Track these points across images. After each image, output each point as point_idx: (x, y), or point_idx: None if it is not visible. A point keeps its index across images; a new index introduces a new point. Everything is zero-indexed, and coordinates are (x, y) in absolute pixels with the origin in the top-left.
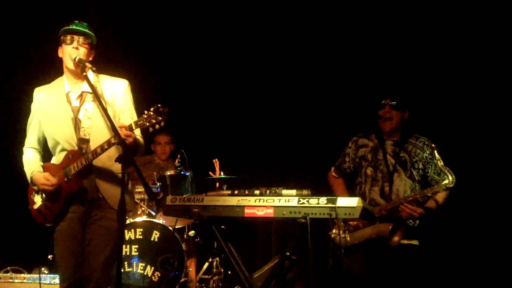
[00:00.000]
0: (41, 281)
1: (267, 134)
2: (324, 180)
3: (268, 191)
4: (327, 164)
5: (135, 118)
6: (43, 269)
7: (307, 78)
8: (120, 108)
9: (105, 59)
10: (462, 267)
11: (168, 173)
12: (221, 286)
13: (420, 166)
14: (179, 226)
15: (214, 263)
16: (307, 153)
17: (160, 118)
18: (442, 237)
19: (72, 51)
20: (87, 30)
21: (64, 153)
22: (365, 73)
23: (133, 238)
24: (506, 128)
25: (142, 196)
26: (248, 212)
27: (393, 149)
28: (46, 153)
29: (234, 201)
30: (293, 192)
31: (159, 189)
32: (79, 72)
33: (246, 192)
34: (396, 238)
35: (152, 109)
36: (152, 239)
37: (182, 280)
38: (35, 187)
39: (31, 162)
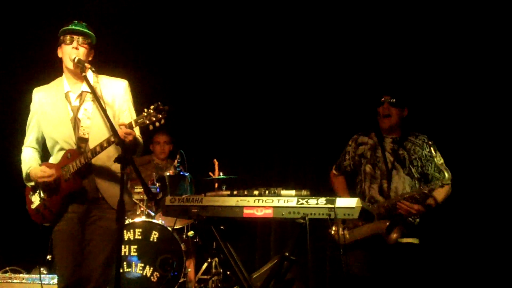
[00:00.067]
0: (40, 282)
1: (266, 134)
2: (323, 181)
3: (267, 192)
4: (326, 165)
5: (135, 118)
6: (42, 269)
7: (306, 78)
8: (119, 108)
9: (104, 59)
10: (462, 265)
11: (167, 174)
12: (220, 287)
13: (419, 163)
14: (178, 227)
15: (213, 264)
16: (306, 153)
17: (160, 116)
18: (443, 235)
19: (71, 51)
20: (86, 30)
21: (63, 152)
22: (365, 73)
23: (132, 239)
24: (507, 126)
25: (141, 196)
26: (247, 212)
27: (392, 147)
28: (44, 153)
29: (233, 201)
30: (292, 192)
31: (158, 190)
32: (79, 72)
33: (245, 193)
34: (394, 236)
35: (152, 107)
36: (151, 239)
37: (181, 280)
38: (32, 183)
39: (29, 160)
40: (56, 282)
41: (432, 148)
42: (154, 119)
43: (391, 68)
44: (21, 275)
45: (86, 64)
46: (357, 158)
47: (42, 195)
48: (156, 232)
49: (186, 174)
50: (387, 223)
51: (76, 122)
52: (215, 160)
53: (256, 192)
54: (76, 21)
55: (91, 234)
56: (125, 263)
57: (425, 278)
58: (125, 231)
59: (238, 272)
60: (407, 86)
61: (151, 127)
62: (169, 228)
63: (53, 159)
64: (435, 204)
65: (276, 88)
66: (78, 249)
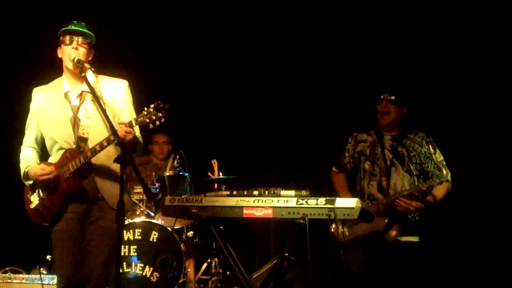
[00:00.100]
0: (40, 282)
1: (266, 134)
2: (323, 180)
3: (266, 192)
4: (326, 165)
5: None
6: (42, 269)
7: (306, 78)
8: (119, 108)
9: (103, 59)
10: (463, 263)
11: (167, 174)
12: (219, 287)
13: (418, 160)
14: (177, 227)
15: (213, 264)
16: (306, 153)
17: (160, 115)
18: (443, 233)
19: (71, 51)
20: (86, 30)
21: (62, 152)
22: (365, 71)
23: (132, 239)
24: (507, 124)
25: (141, 196)
26: (246, 212)
27: (391, 144)
28: (43, 154)
29: (232, 201)
30: (292, 192)
31: (158, 190)
32: (79, 72)
33: (245, 193)
34: (393, 233)
35: (152, 106)
36: (151, 239)
37: (181, 280)
38: (30, 182)
39: (27, 159)
40: (56, 282)
41: (431, 145)
42: (154, 117)
43: (390, 66)
44: (21, 275)
45: (85, 64)
46: (357, 156)
47: (41, 194)
48: (155, 232)
49: (185, 174)
50: (386, 220)
51: (76, 122)
52: (214, 160)
53: (255, 192)
54: (76, 21)
55: (91, 234)
56: (125, 263)
57: (426, 277)
58: (125, 231)
59: (238, 272)
60: (407, 83)
61: (151, 125)
62: (169, 228)
63: (52, 159)
64: (435, 201)
65: (276, 88)
66: (78, 249)
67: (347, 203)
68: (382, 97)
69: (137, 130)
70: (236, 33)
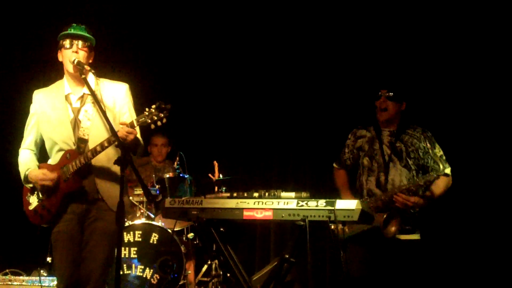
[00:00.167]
0: (40, 284)
1: (266, 135)
2: (323, 181)
3: (267, 194)
4: (326, 165)
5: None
6: (42, 271)
7: (306, 78)
8: (120, 111)
9: (103, 60)
10: (465, 262)
11: (167, 176)
12: None
13: (417, 155)
14: (178, 229)
15: (213, 266)
16: (306, 154)
17: (162, 115)
18: (445, 231)
19: (72, 55)
20: (85, 33)
21: (61, 153)
22: (364, 69)
23: (132, 241)
24: (507, 122)
25: (141, 198)
26: (247, 214)
27: (390, 140)
28: (42, 156)
29: (233, 203)
30: (292, 194)
31: (158, 192)
32: (79, 75)
33: (245, 195)
34: (392, 229)
35: (153, 106)
36: (151, 241)
37: (181, 282)
38: (30, 185)
39: (26, 162)
40: (56, 283)
41: (429, 140)
42: (155, 118)
43: (389, 62)
44: (21, 277)
45: (85, 66)
46: (356, 152)
47: (40, 196)
48: (156, 234)
49: (186, 176)
50: (384, 216)
51: (76, 123)
52: (214, 162)
53: (256, 194)
54: (75, 24)
55: (90, 235)
56: (125, 265)
57: (427, 276)
58: (125, 233)
59: (238, 274)
60: (406, 79)
61: (152, 126)
62: (169, 230)
63: (52, 160)
64: (432, 196)
65: (276, 89)
66: (77, 250)
67: (347, 204)
68: (380, 93)
69: (137, 131)
70: (236, 34)
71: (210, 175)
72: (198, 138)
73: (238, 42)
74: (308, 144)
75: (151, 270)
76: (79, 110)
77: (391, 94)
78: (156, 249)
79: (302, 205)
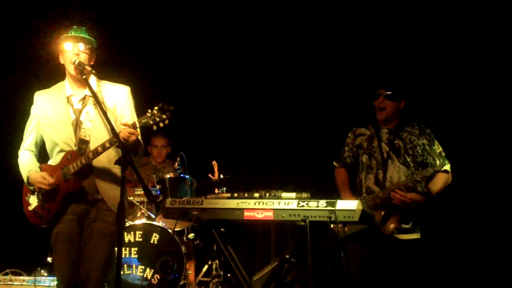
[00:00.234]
0: (40, 284)
1: (266, 135)
2: (323, 181)
3: (267, 194)
4: (326, 165)
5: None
6: (42, 271)
7: (306, 79)
8: (121, 113)
9: (102, 61)
10: (466, 261)
11: (168, 176)
12: None
13: (415, 152)
14: (178, 229)
15: (214, 266)
16: (306, 154)
17: (165, 117)
18: (446, 229)
19: (73, 57)
20: (86, 36)
21: (62, 154)
22: (364, 68)
23: (132, 241)
24: (508, 122)
25: (142, 198)
26: (247, 215)
27: (388, 137)
28: (41, 156)
29: (233, 204)
30: (293, 195)
31: (158, 192)
32: (81, 77)
33: (246, 195)
34: (391, 226)
35: (156, 107)
36: (151, 241)
37: (182, 282)
38: (31, 187)
39: (28, 163)
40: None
41: (428, 137)
42: (158, 119)
43: (388, 61)
44: (21, 277)
45: (86, 67)
46: (355, 149)
47: (41, 196)
48: (156, 234)
49: (186, 177)
50: (382, 213)
51: (77, 124)
52: (214, 162)
53: (256, 195)
54: (76, 27)
55: (89, 235)
56: (125, 265)
57: (428, 276)
58: (125, 233)
59: (238, 275)
60: (405, 77)
61: (154, 127)
62: (170, 231)
63: (52, 161)
64: (431, 193)
65: (275, 89)
66: (77, 251)
67: (348, 205)
68: (378, 92)
69: (138, 132)
70: (235, 34)
71: (210, 175)
72: (198, 139)
73: (238, 42)
74: (308, 144)
75: (152, 270)
76: (80, 111)
77: (389, 93)
78: (157, 249)
79: (302, 206)
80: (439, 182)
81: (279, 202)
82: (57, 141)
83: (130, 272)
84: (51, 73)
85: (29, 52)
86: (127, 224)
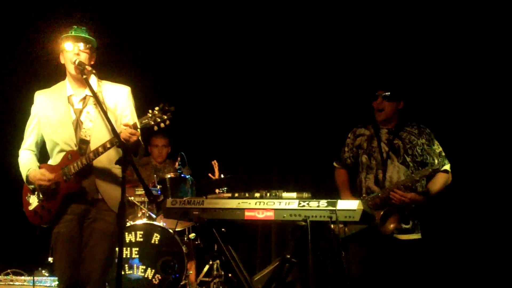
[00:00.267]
0: (41, 284)
1: (266, 135)
2: (323, 181)
3: (268, 194)
4: (326, 165)
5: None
6: (43, 271)
7: (306, 79)
8: (122, 113)
9: (102, 61)
10: (467, 261)
11: (168, 176)
12: None
13: (415, 152)
14: (179, 229)
15: (215, 266)
16: (306, 154)
17: (166, 117)
18: (447, 229)
19: (73, 57)
20: (86, 35)
21: (62, 154)
22: (365, 70)
23: (133, 241)
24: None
25: (143, 198)
26: (248, 215)
27: (388, 137)
28: (42, 156)
29: (234, 204)
30: (294, 195)
31: (159, 192)
32: (81, 77)
33: (246, 195)
34: (390, 226)
35: (157, 108)
36: (152, 241)
37: (183, 282)
38: (31, 186)
39: (27, 162)
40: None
41: (427, 137)
42: (159, 120)
43: (388, 61)
44: (22, 277)
45: (86, 67)
46: (355, 150)
47: (41, 196)
48: (157, 235)
49: (187, 177)
50: (381, 213)
51: (78, 124)
52: (214, 161)
53: (257, 195)
54: (76, 26)
55: (89, 235)
56: (126, 265)
57: (428, 276)
58: (126, 233)
59: (239, 275)
60: (404, 77)
61: (155, 128)
62: (171, 231)
63: (52, 161)
64: (430, 193)
65: (275, 89)
66: (77, 251)
67: (349, 205)
68: (377, 94)
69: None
70: (236, 35)
71: (210, 174)
72: (198, 139)
73: (238, 42)
74: (308, 144)
75: (153, 270)
76: (81, 111)
77: (387, 94)
78: (158, 250)
79: (303, 206)
80: (438, 182)
81: (280, 202)
82: (57, 141)
83: (131, 272)
84: (51, 73)
85: (29, 52)
86: (128, 224)
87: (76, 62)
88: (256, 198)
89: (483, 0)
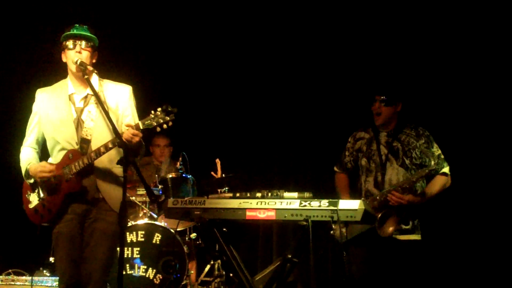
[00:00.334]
0: (42, 284)
1: (266, 135)
2: (324, 181)
3: (269, 194)
4: (327, 165)
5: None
6: (44, 271)
7: (307, 80)
8: (123, 113)
9: (103, 61)
10: (467, 262)
11: (170, 176)
12: None
13: (414, 154)
14: (180, 229)
15: (216, 266)
16: (307, 154)
17: (168, 118)
18: (447, 230)
19: (75, 55)
20: (88, 34)
21: (63, 152)
22: (365, 72)
23: (134, 241)
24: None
25: (144, 198)
26: (249, 214)
27: (387, 140)
28: (43, 155)
29: (235, 203)
30: (295, 194)
31: (160, 192)
32: (82, 75)
33: (248, 195)
34: (389, 229)
35: (159, 109)
36: (153, 241)
37: (184, 282)
38: (31, 181)
39: (28, 158)
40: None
41: (426, 139)
42: (161, 121)
43: (383, 65)
44: (23, 277)
45: (88, 67)
46: (355, 153)
47: (41, 195)
48: (158, 234)
49: (188, 176)
50: (379, 216)
51: (79, 123)
52: (217, 160)
53: (258, 195)
54: (78, 25)
55: (90, 235)
56: (127, 265)
57: (428, 277)
58: (127, 233)
59: (240, 274)
60: (400, 81)
61: (158, 129)
62: (172, 230)
63: (53, 159)
64: (428, 195)
65: (277, 89)
66: (78, 251)
67: (350, 205)
68: (375, 98)
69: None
70: (237, 35)
71: (212, 173)
72: (199, 138)
73: (240, 43)
74: (309, 144)
75: (154, 270)
76: (82, 110)
77: (384, 98)
78: (159, 249)
79: (305, 205)
80: (437, 184)
81: (281, 202)
82: (58, 140)
83: (132, 272)
84: (52, 73)
85: (29, 52)
86: (129, 224)
87: (78, 62)
88: (257, 198)
89: (479, 2)
